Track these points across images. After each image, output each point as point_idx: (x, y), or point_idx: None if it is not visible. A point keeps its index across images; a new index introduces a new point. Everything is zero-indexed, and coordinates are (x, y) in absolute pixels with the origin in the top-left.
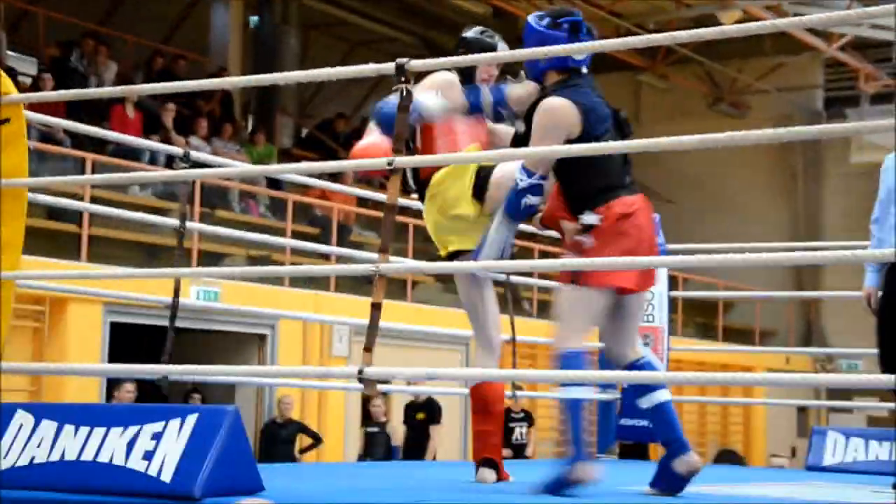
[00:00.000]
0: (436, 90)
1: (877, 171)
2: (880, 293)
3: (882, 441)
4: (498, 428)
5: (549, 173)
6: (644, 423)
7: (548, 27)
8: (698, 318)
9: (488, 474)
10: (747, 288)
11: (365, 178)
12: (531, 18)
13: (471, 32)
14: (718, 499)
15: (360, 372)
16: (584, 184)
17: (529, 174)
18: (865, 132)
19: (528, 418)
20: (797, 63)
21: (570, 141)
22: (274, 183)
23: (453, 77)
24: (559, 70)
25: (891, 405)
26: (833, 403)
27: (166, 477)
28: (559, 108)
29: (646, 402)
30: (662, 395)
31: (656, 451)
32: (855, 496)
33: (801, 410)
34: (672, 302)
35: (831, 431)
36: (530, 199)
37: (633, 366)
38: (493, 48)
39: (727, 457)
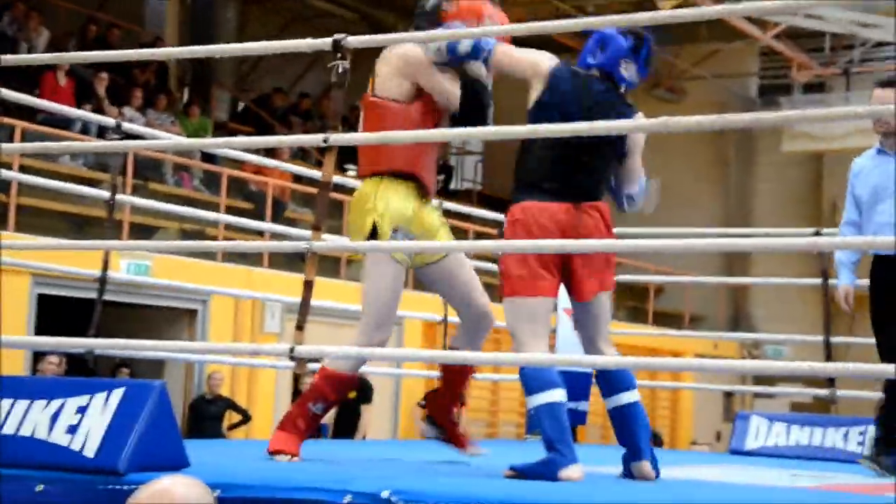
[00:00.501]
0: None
1: (808, 161)
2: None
3: (804, 426)
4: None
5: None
6: (573, 405)
7: (618, 31)
8: (629, 301)
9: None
10: (678, 273)
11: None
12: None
13: (430, 3)
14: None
15: (292, 350)
16: (515, 173)
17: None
18: (799, 122)
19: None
20: (733, 50)
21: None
22: (208, 157)
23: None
24: (606, 74)
25: (814, 391)
26: (758, 389)
27: (90, 451)
28: (538, 54)
29: (610, 404)
30: (626, 398)
31: (584, 433)
32: (774, 479)
33: (728, 395)
34: None
35: (755, 416)
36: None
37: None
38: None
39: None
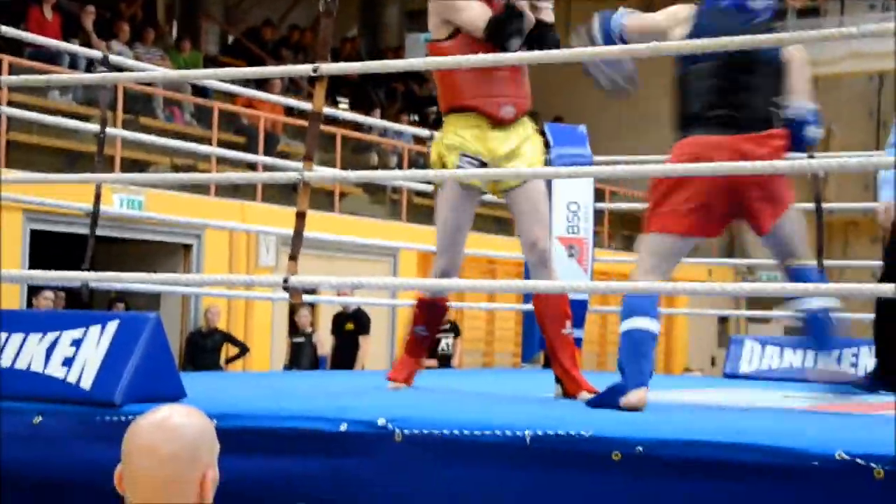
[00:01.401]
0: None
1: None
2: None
3: (796, 349)
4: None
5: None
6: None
7: None
8: (624, 231)
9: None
10: None
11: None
12: None
13: None
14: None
15: (286, 281)
16: (677, 108)
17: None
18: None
19: (455, 329)
20: None
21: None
22: (199, 90)
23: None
24: (737, 7)
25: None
26: (751, 313)
27: (86, 384)
28: (670, 8)
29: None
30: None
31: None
32: (767, 400)
33: (722, 321)
34: (598, 214)
35: (748, 340)
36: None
37: None
38: None
39: None
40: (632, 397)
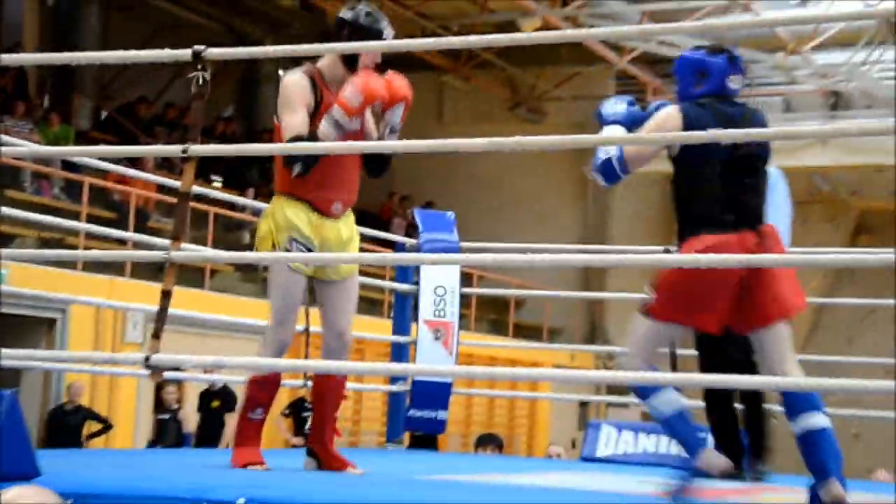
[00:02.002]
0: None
1: (663, 180)
2: None
3: (650, 434)
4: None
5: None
6: (432, 414)
7: (707, 54)
8: (490, 314)
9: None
10: (538, 287)
11: None
12: (685, 52)
13: (349, 13)
14: (494, 488)
15: (147, 359)
16: (686, 211)
17: None
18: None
19: None
20: (590, 73)
21: (672, 157)
22: (70, 165)
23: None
24: (716, 95)
25: None
26: (610, 399)
27: None
28: (670, 112)
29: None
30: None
31: (445, 441)
32: (621, 485)
33: (583, 405)
34: (465, 298)
35: (605, 425)
36: None
37: None
38: (379, 34)
39: (487, 439)
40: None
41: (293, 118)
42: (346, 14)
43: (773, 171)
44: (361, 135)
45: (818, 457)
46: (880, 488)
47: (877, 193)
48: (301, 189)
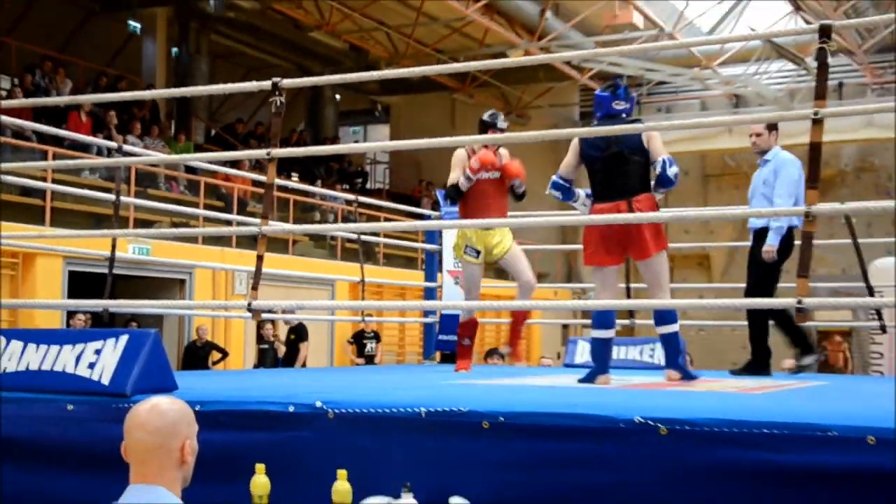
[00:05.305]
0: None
1: None
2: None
3: (618, 346)
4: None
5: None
6: (455, 338)
7: (601, 91)
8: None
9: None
10: (529, 243)
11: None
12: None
13: (486, 115)
14: (499, 387)
15: (249, 304)
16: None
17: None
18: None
19: (377, 337)
20: (561, 88)
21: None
22: (190, 169)
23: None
24: (607, 116)
25: (622, 322)
26: (583, 321)
27: (105, 380)
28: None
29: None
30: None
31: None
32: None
33: (565, 327)
34: None
35: (580, 341)
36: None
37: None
38: (492, 125)
39: (493, 352)
40: (602, 380)
41: (452, 173)
42: (483, 117)
43: (786, 157)
44: (499, 187)
45: (667, 349)
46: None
47: None
48: (469, 215)
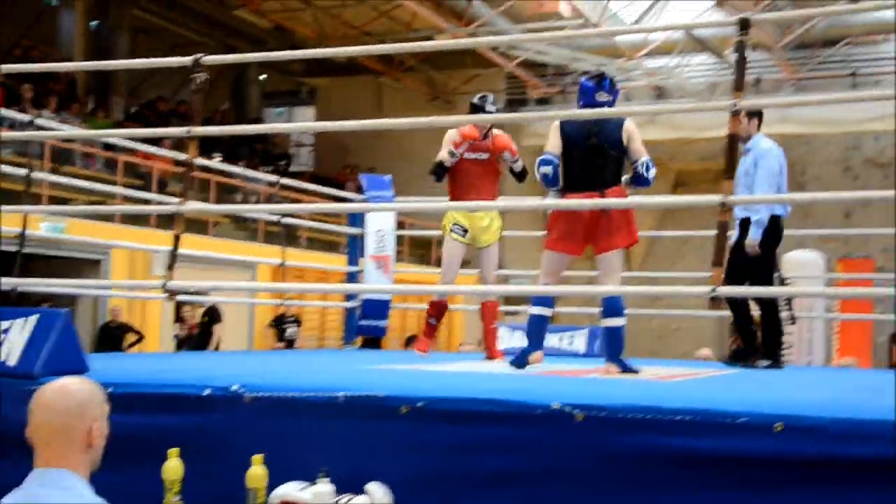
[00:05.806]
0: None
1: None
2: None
3: None
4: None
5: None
6: (377, 323)
7: (585, 80)
8: (418, 250)
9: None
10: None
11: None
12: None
13: (476, 98)
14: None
15: (164, 285)
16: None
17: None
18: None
19: (298, 321)
20: (488, 74)
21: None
22: (108, 147)
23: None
24: (589, 106)
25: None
26: (507, 308)
27: (12, 361)
28: (554, 124)
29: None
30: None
31: (386, 343)
32: (503, 368)
33: None
34: (399, 238)
35: (502, 327)
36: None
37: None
38: (481, 108)
39: (414, 339)
40: (535, 357)
41: (440, 152)
42: (473, 100)
43: (766, 147)
44: (487, 169)
45: (609, 343)
46: (681, 364)
47: (688, 158)
48: (457, 196)
